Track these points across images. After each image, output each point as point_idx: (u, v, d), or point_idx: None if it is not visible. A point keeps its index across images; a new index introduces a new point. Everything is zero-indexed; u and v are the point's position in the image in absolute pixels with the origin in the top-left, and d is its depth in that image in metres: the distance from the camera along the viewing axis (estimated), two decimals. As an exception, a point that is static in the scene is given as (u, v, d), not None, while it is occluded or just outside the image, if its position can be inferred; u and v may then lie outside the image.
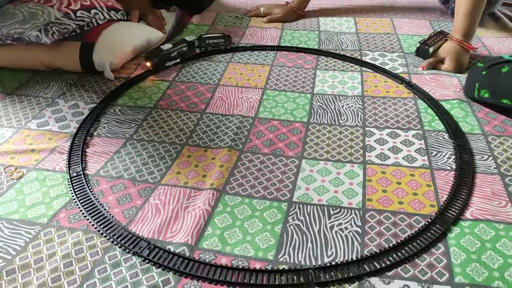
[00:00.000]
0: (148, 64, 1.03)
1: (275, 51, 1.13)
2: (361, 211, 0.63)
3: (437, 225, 0.59)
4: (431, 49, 1.04)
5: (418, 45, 1.07)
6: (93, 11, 1.04)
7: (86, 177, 0.70)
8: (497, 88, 0.83)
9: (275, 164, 0.73)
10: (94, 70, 1.01)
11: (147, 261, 0.55)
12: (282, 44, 1.16)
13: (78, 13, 1.01)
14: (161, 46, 1.06)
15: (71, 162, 0.73)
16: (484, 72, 0.86)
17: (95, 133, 0.82)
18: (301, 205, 0.64)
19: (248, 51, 1.13)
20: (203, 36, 1.14)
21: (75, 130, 0.82)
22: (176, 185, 0.68)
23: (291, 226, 0.60)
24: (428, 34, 1.13)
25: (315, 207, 0.64)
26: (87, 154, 0.76)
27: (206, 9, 1.43)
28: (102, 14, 1.06)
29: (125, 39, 1.05)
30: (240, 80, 0.99)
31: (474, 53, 1.05)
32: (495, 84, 0.83)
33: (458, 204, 0.62)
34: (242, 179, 0.70)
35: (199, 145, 0.78)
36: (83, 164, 0.73)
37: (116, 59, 1.01)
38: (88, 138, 0.80)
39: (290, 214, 0.63)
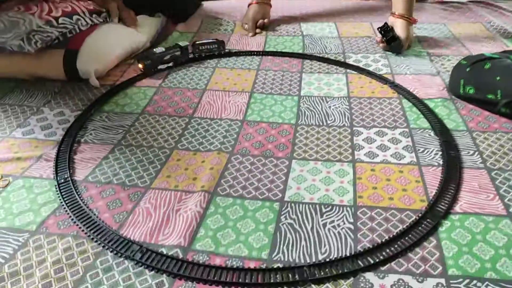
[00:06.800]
0: (140, 65, 1.04)
1: (260, 56, 1.14)
2: (352, 208, 0.63)
3: (428, 220, 0.60)
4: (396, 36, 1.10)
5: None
6: (75, 17, 1.03)
7: (74, 183, 0.69)
8: (482, 84, 0.85)
9: (266, 165, 0.73)
10: (78, 78, 1.00)
11: (140, 264, 0.54)
12: (267, 50, 1.17)
13: (60, 20, 1.00)
14: (154, 49, 1.06)
15: (58, 169, 0.72)
16: (468, 69, 0.88)
17: (82, 140, 0.80)
18: (293, 204, 0.64)
19: (233, 57, 1.14)
20: (197, 42, 1.14)
21: (61, 137, 0.80)
22: (167, 189, 0.68)
23: (284, 225, 0.60)
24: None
25: (307, 205, 0.64)
26: (74, 160, 0.75)
27: (190, 16, 1.43)
28: (84, 19, 1.04)
29: (109, 46, 1.05)
30: (227, 85, 1.00)
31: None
32: (479, 80, 0.86)
33: (447, 199, 0.63)
34: (233, 180, 0.69)
35: (188, 149, 0.78)
36: (71, 170, 0.72)
37: (101, 66, 1.01)
38: (75, 145, 0.79)
39: (282, 213, 0.63)
